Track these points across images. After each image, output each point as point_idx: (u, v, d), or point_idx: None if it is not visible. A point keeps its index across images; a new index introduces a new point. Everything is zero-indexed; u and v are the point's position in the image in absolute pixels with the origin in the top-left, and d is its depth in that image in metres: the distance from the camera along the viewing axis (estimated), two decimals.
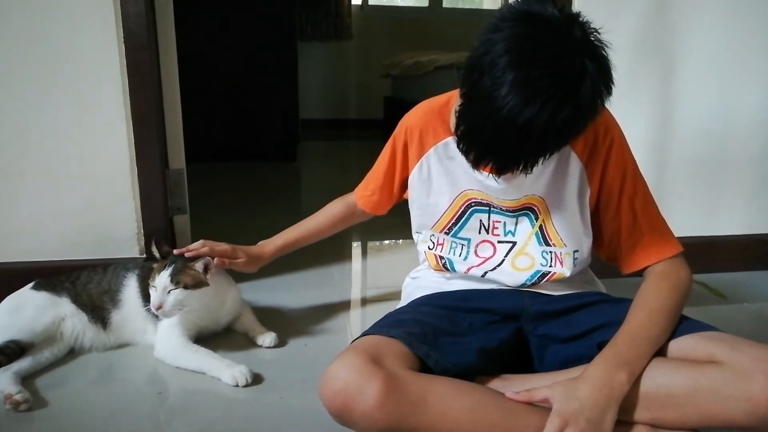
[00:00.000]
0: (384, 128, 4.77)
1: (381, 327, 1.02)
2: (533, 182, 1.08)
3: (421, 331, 1.00)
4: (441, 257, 1.18)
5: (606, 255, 1.15)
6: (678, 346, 0.96)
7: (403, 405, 0.86)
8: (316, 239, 1.42)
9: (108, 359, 1.26)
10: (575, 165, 1.08)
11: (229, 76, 3.45)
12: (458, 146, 0.96)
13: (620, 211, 1.08)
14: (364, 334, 1.01)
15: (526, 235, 1.13)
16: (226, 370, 1.16)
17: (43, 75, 1.42)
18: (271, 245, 1.37)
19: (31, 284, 1.30)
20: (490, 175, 1.06)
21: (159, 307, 1.17)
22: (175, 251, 1.24)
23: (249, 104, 3.53)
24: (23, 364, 1.15)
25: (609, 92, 0.88)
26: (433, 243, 1.19)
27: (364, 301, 1.62)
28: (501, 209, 1.12)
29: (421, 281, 1.25)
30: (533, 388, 0.91)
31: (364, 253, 2.09)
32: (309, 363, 1.26)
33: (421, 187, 1.18)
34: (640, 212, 1.08)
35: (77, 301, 1.27)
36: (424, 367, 0.96)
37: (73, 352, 1.26)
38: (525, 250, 1.13)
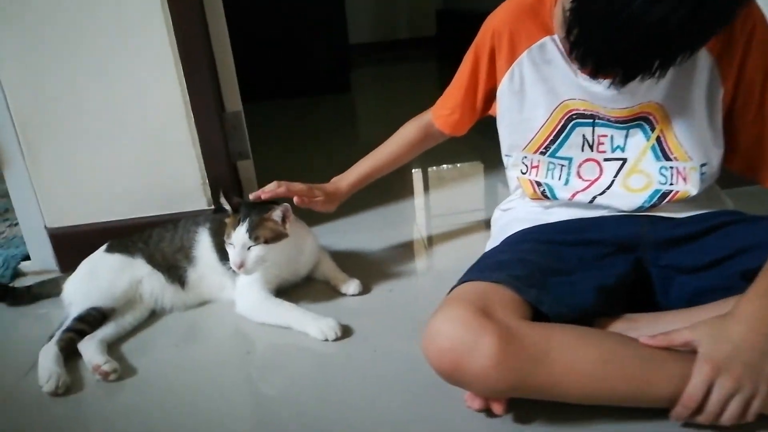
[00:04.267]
0: (437, 46, 4.49)
1: (481, 271, 0.91)
2: (650, 86, 0.91)
3: (526, 273, 0.89)
4: (538, 183, 1.04)
5: (742, 167, 0.97)
6: None
7: (523, 361, 0.75)
8: (392, 168, 1.30)
9: (190, 319, 1.21)
10: (704, 61, 0.90)
11: (272, 4, 3.24)
12: (571, 54, 0.80)
13: (764, 112, 0.90)
14: (462, 281, 0.90)
15: (639, 150, 0.98)
16: (312, 323, 1.08)
17: (85, 22, 1.31)
18: (345, 181, 1.27)
19: (103, 247, 1.26)
20: (600, 80, 0.90)
21: (241, 266, 1.09)
22: (250, 196, 1.15)
23: (295, 34, 3.33)
24: (107, 331, 1.12)
25: None
26: (527, 166, 1.05)
27: (446, 237, 1.49)
28: (609, 121, 0.97)
29: (515, 213, 1.12)
30: (672, 331, 0.78)
31: (442, 183, 1.94)
32: (398, 310, 1.17)
33: (512, 100, 1.02)
34: None
35: (152, 261, 1.22)
36: (535, 314, 0.84)
37: (154, 314, 1.22)
38: (638, 168, 0.98)
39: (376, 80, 4.20)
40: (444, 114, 1.20)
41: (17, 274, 1.47)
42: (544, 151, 1.02)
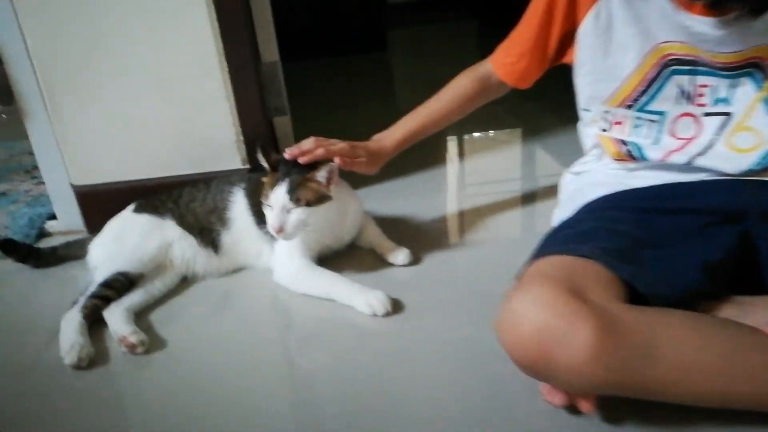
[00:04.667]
0: (477, 7, 4.25)
1: (565, 242, 0.77)
2: (766, 27, 0.75)
3: (616, 246, 0.75)
4: (624, 142, 0.90)
5: None
6: None
7: (626, 355, 0.62)
8: (443, 126, 1.16)
9: (224, 286, 1.11)
10: None
11: None
12: None
13: None
14: (541, 253, 0.77)
15: (747, 103, 0.83)
16: (359, 296, 0.97)
17: None
18: (390, 138, 1.13)
19: (131, 207, 1.17)
20: (712, 17, 0.75)
21: (279, 230, 0.98)
22: (286, 152, 1.03)
23: None
24: (134, 298, 1.02)
25: None
26: (609, 122, 0.91)
27: (502, 206, 1.35)
28: (713, 67, 0.81)
29: (590, 176, 0.98)
30: None
31: (493, 148, 1.79)
32: (453, 285, 1.05)
33: (596, 43, 0.88)
34: None
35: (183, 223, 1.12)
36: (629, 294, 0.71)
37: (185, 281, 1.12)
38: (746, 124, 0.84)
39: (412, 41, 4.01)
40: (508, 62, 1.05)
41: (43, 233, 1.39)
42: (631, 104, 0.87)
